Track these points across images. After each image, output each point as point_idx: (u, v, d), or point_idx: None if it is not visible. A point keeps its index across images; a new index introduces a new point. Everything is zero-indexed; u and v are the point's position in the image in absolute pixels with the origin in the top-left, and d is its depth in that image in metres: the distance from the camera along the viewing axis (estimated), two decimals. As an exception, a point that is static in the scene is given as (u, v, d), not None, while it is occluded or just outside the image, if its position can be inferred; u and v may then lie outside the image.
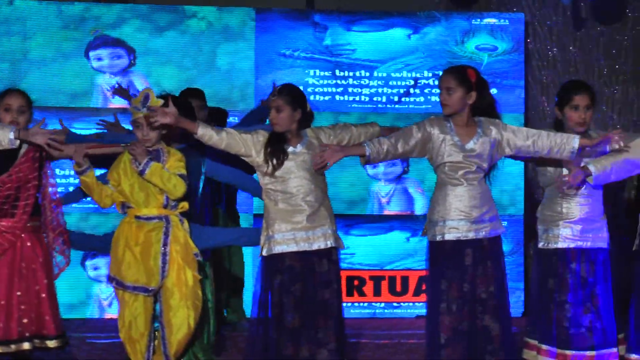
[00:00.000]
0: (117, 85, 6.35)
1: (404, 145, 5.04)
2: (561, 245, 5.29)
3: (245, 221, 7.56)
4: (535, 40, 8.19)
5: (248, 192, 6.20)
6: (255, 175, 5.40)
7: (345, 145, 5.12)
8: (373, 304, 7.84)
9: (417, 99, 7.88)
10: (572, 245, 5.28)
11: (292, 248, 5.01)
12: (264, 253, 5.06)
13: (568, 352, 5.22)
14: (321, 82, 7.85)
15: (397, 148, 5.02)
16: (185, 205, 5.11)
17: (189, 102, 5.59)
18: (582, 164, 5.20)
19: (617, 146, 5.15)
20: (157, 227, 5.05)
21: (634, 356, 5.30)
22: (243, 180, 5.90)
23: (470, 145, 5.08)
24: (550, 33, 8.20)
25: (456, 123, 5.11)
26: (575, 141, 5.10)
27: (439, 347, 5.02)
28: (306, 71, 7.87)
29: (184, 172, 5.08)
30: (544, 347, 5.30)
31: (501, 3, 8.27)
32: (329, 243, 5.06)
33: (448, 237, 5.05)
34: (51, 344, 5.03)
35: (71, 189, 6.64)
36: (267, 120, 5.26)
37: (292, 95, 5.10)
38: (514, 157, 5.36)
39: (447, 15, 8.02)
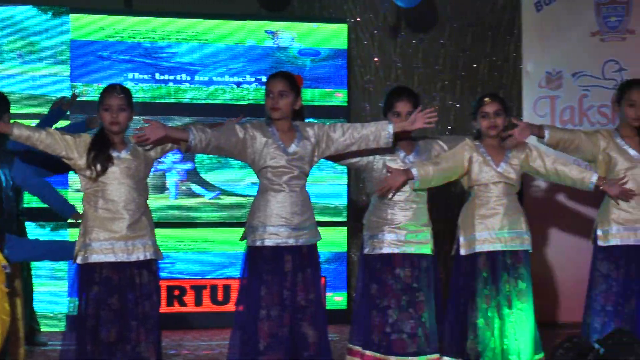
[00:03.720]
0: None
1: (226, 141, 5.02)
2: (386, 250, 5.34)
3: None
4: (357, 46, 8.23)
5: (54, 209, 5.99)
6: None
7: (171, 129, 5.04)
8: (194, 313, 7.65)
9: (241, 103, 7.75)
10: (396, 250, 5.33)
11: (110, 258, 4.86)
12: (79, 261, 4.89)
13: (390, 358, 5.24)
14: (141, 85, 7.61)
15: (220, 141, 5.00)
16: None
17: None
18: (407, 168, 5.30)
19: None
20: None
21: (446, 358, 5.40)
22: (51, 197, 5.76)
23: (292, 148, 5.10)
24: (372, 39, 8.27)
25: (279, 128, 5.14)
26: (389, 126, 5.18)
27: (257, 354, 4.99)
28: (124, 74, 7.61)
29: None
30: (367, 353, 5.34)
31: (324, 8, 8.28)
32: (148, 255, 4.95)
33: (268, 242, 5.05)
34: None
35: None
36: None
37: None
38: (339, 158, 5.37)
39: (268, 18, 7.95)
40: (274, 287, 5.01)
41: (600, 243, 5.59)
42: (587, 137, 5.62)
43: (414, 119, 5.23)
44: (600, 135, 5.64)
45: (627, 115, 5.60)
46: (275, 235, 5.04)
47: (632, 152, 5.58)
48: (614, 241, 5.54)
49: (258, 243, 5.05)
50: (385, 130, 5.20)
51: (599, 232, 5.61)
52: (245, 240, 5.15)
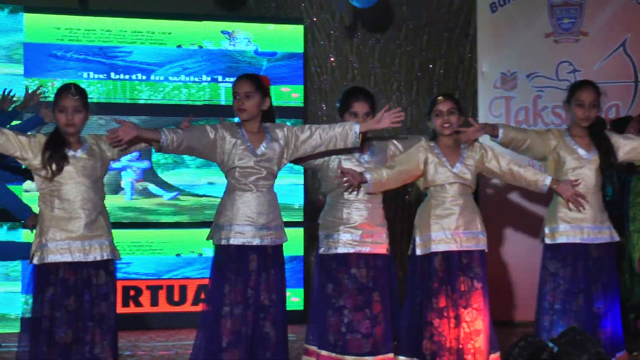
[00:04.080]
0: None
1: (198, 141, 5.07)
2: (341, 250, 5.35)
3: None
4: (314, 46, 8.24)
5: (10, 211, 5.97)
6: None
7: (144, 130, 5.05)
8: (150, 314, 7.61)
9: (197, 104, 7.72)
10: (351, 250, 5.34)
11: (67, 258, 4.82)
12: (36, 261, 4.84)
13: (346, 358, 5.25)
14: (96, 85, 7.55)
15: (191, 141, 5.05)
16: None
17: None
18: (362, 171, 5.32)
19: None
20: None
21: (401, 358, 5.42)
22: (8, 198, 5.73)
23: (261, 149, 5.14)
24: (328, 40, 8.28)
25: (248, 129, 5.19)
26: (356, 126, 5.23)
27: (220, 351, 5.01)
28: (79, 73, 7.55)
29: None
30: (323, 353, 5.34)
31: (280, 9, 8.28)
32: (106, 255, 4.92)
33: (233, 241, 5.07)
34: None
35: None
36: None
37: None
38: (300, 159, 5.39)
39: (224, 19, 7.93)
40: (238, 285, 5.03)
41: (548, 241, 5.65)
42: (539, 136, 5.67)
43: (380, 118, 5.26)
44: (551, 134, 5.69)
45: (576, 116, 5.66)
46: (240, 234, 5.06)
47: (581, 151, 5.63)
48: (561, 239, 5.59)
49: (223, 242, 5.08)
50: (352, 130, 5.23)
51: (547, 231, 5.66)
52: (212, 240, 5.17)
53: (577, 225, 5.57)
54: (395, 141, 5.63)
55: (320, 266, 5.45)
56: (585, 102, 5.61)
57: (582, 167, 5.60)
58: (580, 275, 5.55)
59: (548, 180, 5.48)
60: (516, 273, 7.53)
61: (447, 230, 5.39)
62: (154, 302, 7.63)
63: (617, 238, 5.69)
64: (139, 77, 7.68)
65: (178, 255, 7.66)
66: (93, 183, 4.90)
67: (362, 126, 5.26)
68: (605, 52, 7.75)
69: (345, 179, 5.27)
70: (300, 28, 7.98)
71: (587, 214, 5.57)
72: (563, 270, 5.58)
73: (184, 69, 7.75)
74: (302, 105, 7.92)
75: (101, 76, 7.61)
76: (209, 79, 7.78)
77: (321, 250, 5.43)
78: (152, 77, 7.70)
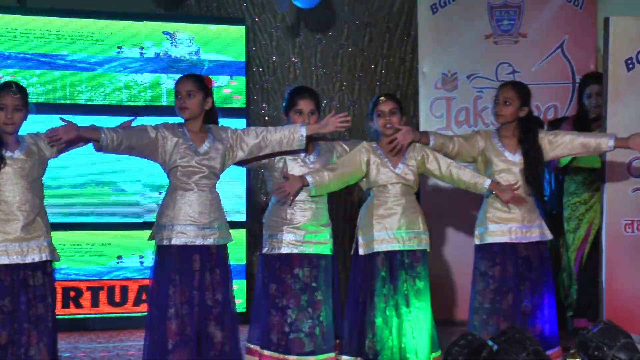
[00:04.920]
0: None
1: (138, 141, 5.05)
2: (285, 250, 5.37)
3: None
4: (256, 46, 8.22)
5: None
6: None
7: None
8: (90, 315, 7.53)
9: (138, 105, 7.66)
10: (295, 250, 5.37)
11: (4, 260, 4.80)
12: (-29, 263, 4.78)
13: (288, 358, 5.26)
14: (35, 84, 7.45)
15: (132, 141, 5.03)
16: None
17: None
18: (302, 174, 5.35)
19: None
20: None
21: (344, 357, 5.46)
22: None
23: (203, 149, 5.15)
24: (270, 40, 8.27)
25: (190, 128, 5.19)
26: (302, 129, 5.25)
27: (166, 353, 5.01)
28: (18, 72, 7.44)
29: None
30: (266, 352, 5.36)
31: (222, 8, 8.25)
32: (44, 256, 4.89)
33: (175, 241, 5.07)
34: None
35: None
36: None
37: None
38: (246, 161, 5.39)
39: (168, 20, 7.87)
40: (182, 286, 5.04)
41: (477, 242, 5.72)
42: (466, 141, 5.72)
43: (327, 122, 5.29)
44: (479, 136, 5.76)
45: (492, 113, 5.80)
46: (182, 234, 5.07)
47: (507, 153, 5.69)
48: (490, 239, 5.66)
49: (165, 242, 5.07)
50: (298, 133, 5.26)
51: (477, 231, 5.73)
52: (154, 240, 5.16)
53: (506, 225, 5.64)
54: (342, 143, 5.68)
55: (263, 266, 5.46)
56: (500, 99, 5.69)
57: (509, 170, 5.67)
58: (509, 275, 5.62)
59: (487, 183, 5.54)
60: (457, 272, 7.59)
61: (389, 230, 5.43)
62: (95, 303, 7.55)
63: (549, 236, 5.77)
64: (80, 78, 7.57)
65: (119, 257, 7.59)
66: (31, 184, 4.86)
67: (308, 129, 5.29)
68: (543, 53, 7.85)
69: (279, 189, 5.28)
70: (241, 29, 7.95)
71: (516, 213, 5.64)
72: (492, 269, 5.65)
73: (125, 67, 7.68)
74: (244, 105, 7.87)
75: (40, 76, 7.49)
76: (150, 79, 7.72)
77: (265, 250, 5.44)
78: (93, 78, 7.61)
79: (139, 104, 7.64)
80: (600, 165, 6.45)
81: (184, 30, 7.80)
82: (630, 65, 6.37)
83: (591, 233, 6.81)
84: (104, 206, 7.62)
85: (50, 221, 5.11)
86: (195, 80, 5.18)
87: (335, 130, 5.38)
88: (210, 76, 5.41)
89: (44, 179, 5.08)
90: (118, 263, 7.57)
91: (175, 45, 7.79)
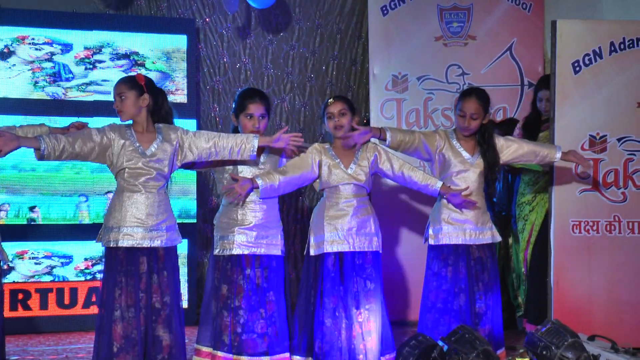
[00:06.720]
0: None
1: (82, 146, 5.01)
2: (236, 251, 5.38)
3: None
4: (206, 46, 8.20)
5: None
6: None
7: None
8: (39, 317, 7.45)
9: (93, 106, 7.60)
10: (246, 251, 5.38)
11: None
12: None
13: (242, 358, 5.27)
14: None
15: (75, 147, 4.98)
16: None
17: None
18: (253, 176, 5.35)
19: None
20: None
21: (297, 357, 5.48)
22: None
23: (151, 150, 5.12)
24: (221, 40, 8.25)
25: (136, 129, 5.17)
26: (255, 141, 5.23)
27: (111, 356, 5.00)
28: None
29: None
30: (219, 354, 5.35)
31: (172, 8, 8.20)
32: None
33: (122, 243, 5.06)
34: None
35: None
36: None
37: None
38: (194, 166, 5.38)
39: (120, 20, 7.81)
40: (129, 288, 5.03)
41: (431, 242, 5.76)
42: (425, 138, 5.75)
43: (279, 137, 5.29)
44: (438, 135, 5.80)
45: (457, 124, 5.79)
46: (129, 236, 5.05)
47: (465, 154, 5.75)
48: (444, 240, 5.70)
49: (112, 244, 5.06)
50: (250, 144, 5.26)
51: (430, 232, 5.77)
52: (101, 242, 5.13)
53: (460, 226, 5.68)
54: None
55: (214, 267, 5.46)
56: (467, 113, 5.73)
57: (467, 171, 5.72)
58: (461, 275, 5.67)
59: (439, 185, 5.59)
60: (411, 273, 7.62)
61: (340, 231, 5.45)
62: (44, 305, 7.47)
63: (498, 238, 5.83)
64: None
65: (74, 255, 7.54)
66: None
67: (260, 140, 5.28)
68: (492, 55, 7.92)
69: (229, 190, 5.28)
70: (192, 28, 7.89)
71: (469, 215, 5.69)
72: (445, 270, 5.69)
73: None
74: (194, 106, 7.82)
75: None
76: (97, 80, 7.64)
77: (216, 252, 5.44)
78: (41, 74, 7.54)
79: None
80: (540, 168, 6.55)
81: (133, 27, 7.72)
82: (577, 68, 6.44)
83: (533, 234, 6.88)
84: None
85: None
86: (126, 81, 5.15)
87: (285, 147, 5.39)
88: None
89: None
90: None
91: (126, 45, 7.72)
